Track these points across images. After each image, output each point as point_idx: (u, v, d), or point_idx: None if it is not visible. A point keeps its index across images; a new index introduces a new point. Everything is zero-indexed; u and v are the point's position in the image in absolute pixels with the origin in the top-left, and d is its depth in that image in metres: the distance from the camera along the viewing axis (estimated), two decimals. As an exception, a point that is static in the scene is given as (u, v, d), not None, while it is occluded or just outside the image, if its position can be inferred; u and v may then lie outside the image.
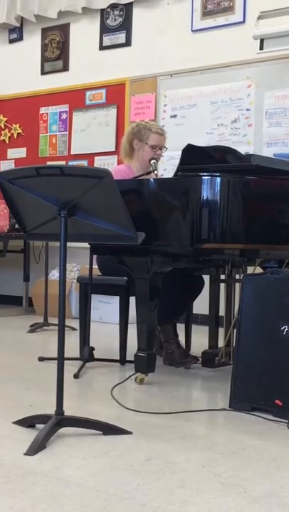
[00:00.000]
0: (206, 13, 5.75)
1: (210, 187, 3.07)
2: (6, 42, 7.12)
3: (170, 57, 5.94)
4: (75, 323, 4.73)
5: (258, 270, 3.51)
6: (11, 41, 7.09)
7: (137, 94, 6.14)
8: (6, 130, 7.08)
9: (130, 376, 3.33)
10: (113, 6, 6.29)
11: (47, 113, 6.82)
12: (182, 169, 3.27)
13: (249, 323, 2.87)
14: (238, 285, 3.43)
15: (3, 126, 7.11)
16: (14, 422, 2.52)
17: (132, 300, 3.50)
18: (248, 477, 2.04)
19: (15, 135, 7.03)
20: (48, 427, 2.30)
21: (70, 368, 3.38)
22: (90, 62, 6.49)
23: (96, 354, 3.68)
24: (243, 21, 5.56)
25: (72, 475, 2.02)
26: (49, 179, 2.39)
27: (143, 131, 3.92)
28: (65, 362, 2.41)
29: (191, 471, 2.07)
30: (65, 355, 2.41)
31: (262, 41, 5.37)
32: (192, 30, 5.85)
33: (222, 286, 3.84)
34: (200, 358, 3.78)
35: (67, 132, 6.66)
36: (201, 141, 5.08)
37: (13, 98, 7.03)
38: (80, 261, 5.85)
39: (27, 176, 2.44)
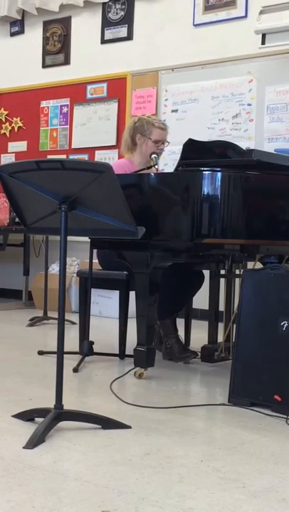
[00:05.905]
0: (208, 8, 5.73)
1: (210, 182, 3.07)
2: (8, 35, 7.10)
3: (171, 52, 5.92)
4: (75, 318, 4.74)
5: (258, 266, 3.50)
6: (12, 34, 7.07)
7: (138, 88, 6.13)
8: (7, 123, 7.07)
9: (129, 370, 3.33)
10: (115, 0, 6.27)
11: (48, 106, 6.80)
12: (183, 164, 3.26)
13: (249, 319, 2.88)
14: (238, 280, 3.43)
15: (3, 120, 7.10)
16: (13, 416, 2.52)
17: (132, 294, 3.50)
18: (246, 472, 2.04)
19: (15, 128, 7.02)
20: (47, 421, 2.31)
21: (70, 362, 3.38)
22: (91, 55, 6.47)
23: (95, 348, 3.68)
24: (245, 16, 5.54)
25: (70, 469, 2.03)
26: (49, 173, 2.39)
27: (146, 126, 3.90)
28: (65, 356, 2.41)
29: (189, 466, 2.07)
30: (65, 349, 2.41)
31: (264, 36, 5.37)
32: (194, 25, 5.83)
33: (222, 281, 3.84)
34: (199, 353, 3.78)
35: (68, 126, 6.65)
36: (202, 136, 5.07)
37: (14, 91, 7.01)
38: (80, 255, 5.85)
39: (27, 170, 2.43)
